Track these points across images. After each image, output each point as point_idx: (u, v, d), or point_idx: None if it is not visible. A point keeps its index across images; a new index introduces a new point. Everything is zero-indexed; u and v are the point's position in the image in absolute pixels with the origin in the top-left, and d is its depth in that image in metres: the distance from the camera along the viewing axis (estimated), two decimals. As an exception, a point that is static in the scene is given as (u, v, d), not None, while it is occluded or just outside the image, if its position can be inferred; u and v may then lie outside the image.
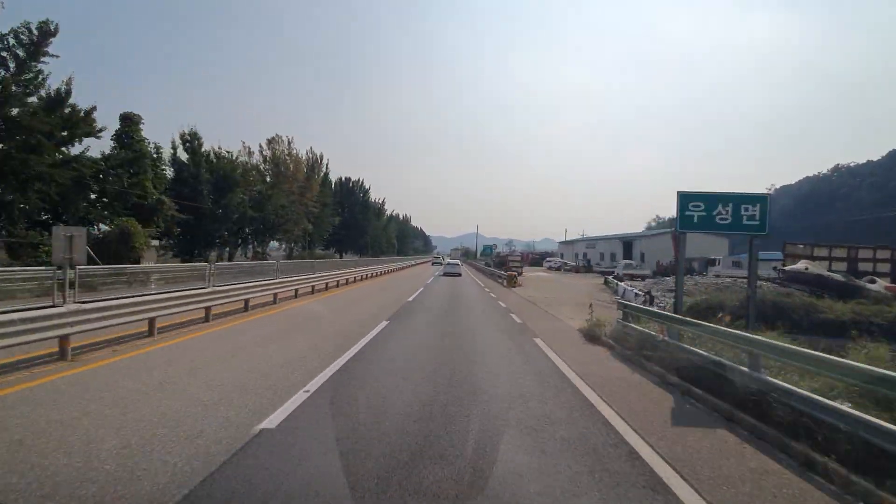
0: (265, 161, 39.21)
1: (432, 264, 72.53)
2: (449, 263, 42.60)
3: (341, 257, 65.74)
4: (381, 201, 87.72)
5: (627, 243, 54.07)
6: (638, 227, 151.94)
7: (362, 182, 68.89)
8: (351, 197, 67.02)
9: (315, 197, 43.01)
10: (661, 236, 50.13)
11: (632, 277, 35.85)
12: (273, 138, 41.07)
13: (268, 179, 39.74)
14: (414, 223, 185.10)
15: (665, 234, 50.42)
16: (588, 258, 58.57)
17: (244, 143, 39.40)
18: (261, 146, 40.52)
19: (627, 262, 42.22)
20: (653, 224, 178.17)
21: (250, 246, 35.02)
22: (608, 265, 56.18)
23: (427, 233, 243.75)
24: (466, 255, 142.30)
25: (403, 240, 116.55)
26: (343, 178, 67.37)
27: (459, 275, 36.86)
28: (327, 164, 49.21)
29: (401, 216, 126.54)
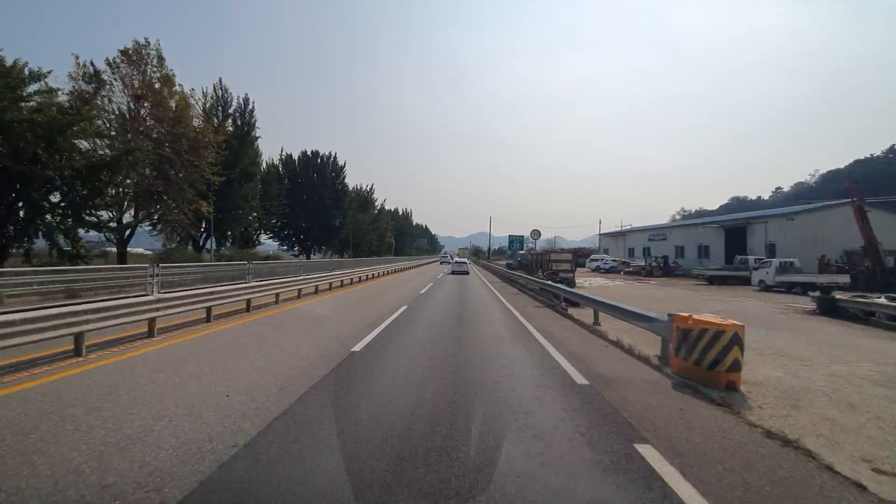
0: (91, 78, 20.68)
1: (441, 263, 70.76)
2: (456, 262, 42.56)
3: (308, 258, 47.59)
4: (367, 188, 69.16)
5: (736, 230, 34.35)
6: (659, 221, 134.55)
7: (334, 158, 50.28)
8: (318, 177, 48.54)
9: (214, 156, 24.44)
10: (809, 214, 30.55)
11: (810, 288, 16.71)
12: (131, 49, 22.66)
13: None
14: (424, 225, 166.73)
15: (818, 210, 30.92)
16: (661, 255, 39.06)
17: (77, 57, 21.04)
18: (109, 61, 22.11)
19: (784, 260, 22.89)
20: (678, 218, 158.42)
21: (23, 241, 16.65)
22: (693, 263, 36.79)
23: (437, 234, 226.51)
24: (477, 254, 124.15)
25: (402, 237, 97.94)
26: (307, 152, 48.91)
27: (467, 272, 37.02)
28: (252, 111, 30.44)
29: (400, 211, 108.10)
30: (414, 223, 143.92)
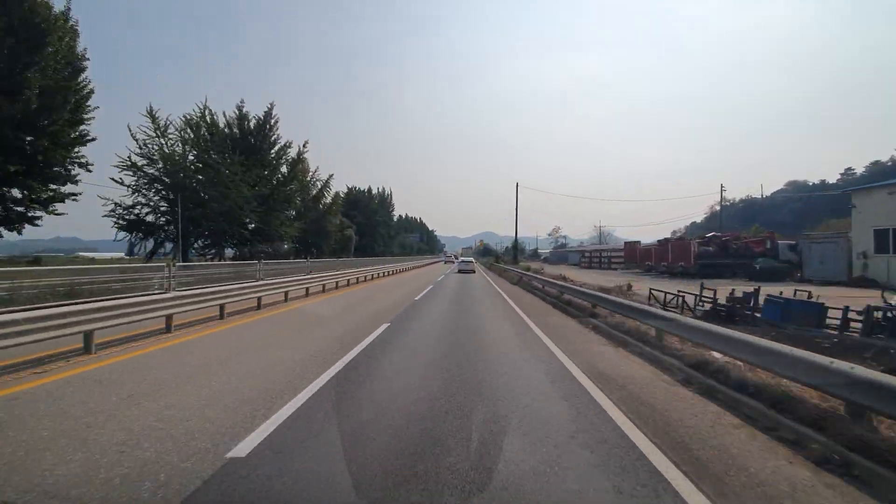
0: None
1: (444, 263, 70.65)
2: (462, 261, 42.46)
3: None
4: (261, 115, 34.12)
5: None
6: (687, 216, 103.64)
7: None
8: None
9: None
10: None
11: None
12: None
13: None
14: (419, 218, 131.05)
15: None
16: None
17: None
18: None
19: None
20: (716, 209, 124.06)
21: None
22: None
23: (440, 234, 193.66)
24: (487, 253, 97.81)
25: (373, 230, 62.82)
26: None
27: (473, 271, 36.04)
28: None
29: (374, 191, 72.92)
30: (403, 215, 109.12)
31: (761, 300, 10.00)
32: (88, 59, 20.35)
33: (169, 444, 3.31)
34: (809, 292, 10.72)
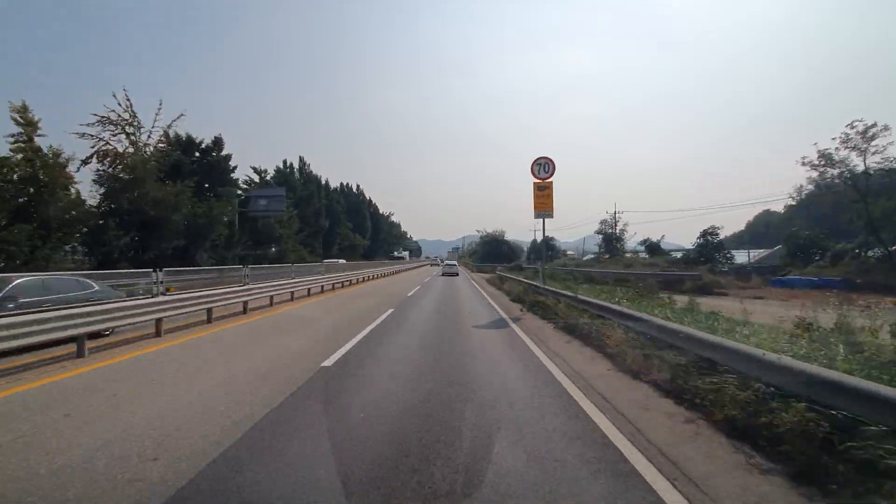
0: None
1: (431, 266, 70.25)
2: (447, 264, 43.66)
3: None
4: None
5: None
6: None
7: None
8: None
9: None
10: None
11: None
12: None
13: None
14: (368, 196, 77.68)
15: None
16: None
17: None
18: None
19: None
20: (810, 191, 79.77)
21: None
22: None
23: (424, 238, 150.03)
24: (487, 256, 73.29)
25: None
26: None
27: (457, 274, 37.86)
28: None
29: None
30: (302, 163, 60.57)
31: None
32: None
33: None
34: None
